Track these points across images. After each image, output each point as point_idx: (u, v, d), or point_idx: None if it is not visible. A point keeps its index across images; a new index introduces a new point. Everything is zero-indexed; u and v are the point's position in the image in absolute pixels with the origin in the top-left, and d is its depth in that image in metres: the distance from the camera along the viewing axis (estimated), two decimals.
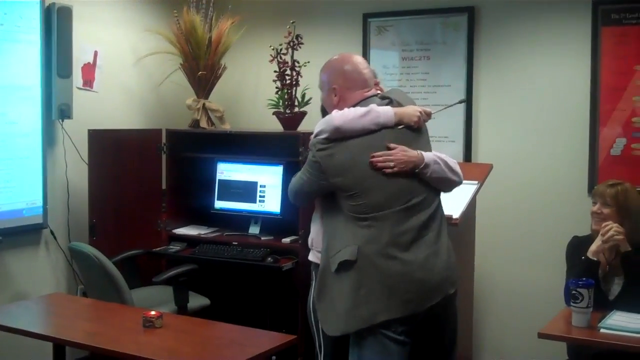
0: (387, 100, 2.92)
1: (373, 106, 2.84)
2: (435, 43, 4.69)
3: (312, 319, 3.11)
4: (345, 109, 2.84)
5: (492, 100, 4.56)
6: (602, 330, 2.96)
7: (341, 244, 2.80)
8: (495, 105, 4.56)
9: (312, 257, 3.19)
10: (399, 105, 2.91)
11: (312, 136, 2.88)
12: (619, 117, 4.19)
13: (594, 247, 3.30)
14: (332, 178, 2.80)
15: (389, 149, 2.80)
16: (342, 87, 2.95)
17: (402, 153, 2.79)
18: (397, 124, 2.83)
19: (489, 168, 4.12)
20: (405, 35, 4.78)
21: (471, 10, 4.54)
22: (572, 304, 3.05)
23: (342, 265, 2.76)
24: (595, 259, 3.28)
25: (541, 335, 3.01)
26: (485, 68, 4.56)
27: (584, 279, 3.09)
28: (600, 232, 3.31)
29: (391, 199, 2.78)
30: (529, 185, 4.46)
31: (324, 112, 3.22)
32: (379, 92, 3.05)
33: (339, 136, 2.78)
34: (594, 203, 3.43)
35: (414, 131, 2.88)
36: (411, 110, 2.87)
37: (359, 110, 2.82)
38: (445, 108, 3.26)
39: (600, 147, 4.24)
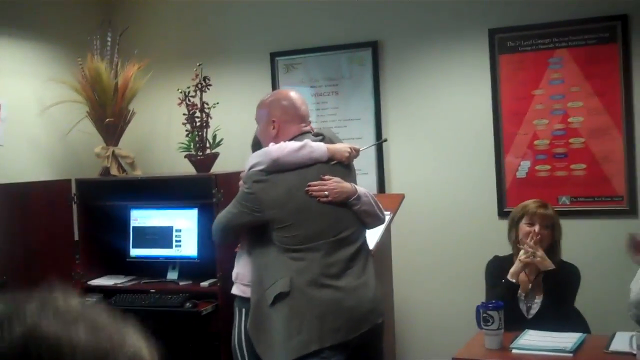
0: (320, 137, 3.03)
1: (307, 141, 2.95)
2: (343, 78, 4.77)
3: (239, 355, 3.13)
4: (282, 143, 2.93)
5: (401, 131, 4.64)
6: (513, 351, 3.01)
7: (274, 276, 2.87)
8: (405, 136, 4.64)
9: (236, 290, 3.21)
10: (331, 142, 3.05)
11: (247, 169, 2.96)
12: (522, 141, 4.33)
13: (513, 269, 3.36)
14: (268, 210, 2.88)
15: (324, 180, 2.93)
16: (281, 119, 3.03)
17: (336, 184, 2.92)
18: (330, 159, 2.96)
19: (400, 198, 4.18)
20: (313, 72, 4.84)
21: (374, 45, 4.64)
22: (483, 326, 3.09)
23: (277, 298, 2.83)
24: (514, 280, 3.34)
25: None
26: (392, 100, 4.65)
27: (493, 301, 3.15)
28: (519, 256, 3.35)
29: (323, 231, 2.89)
30: (441, 211, 4.55)
31: (255, 147, 3.29)
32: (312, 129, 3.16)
33: (275, 169, 2.87)
34: (530, 224, 3.40)
35: (344, 167, 3.03)
36: (342, 147, 3.01)
37: (295, 144, 2.92)
38: (370, 147, 3.46)
39: (507, 171, 4.37)
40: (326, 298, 2.83)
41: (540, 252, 3.32)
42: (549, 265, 3.32)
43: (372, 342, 3.02)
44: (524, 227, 3.43)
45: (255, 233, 2.99)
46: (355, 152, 3.07)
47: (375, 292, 2.99)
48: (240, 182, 3.05)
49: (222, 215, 3.09)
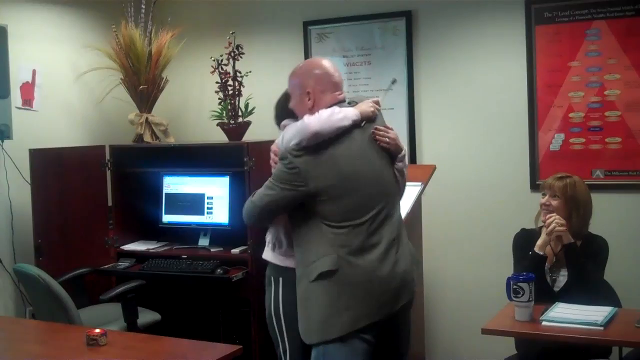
0: (354, 104, 2.96)
1: (335, 107, 2.87)
2: (375, 48, 4.74)
3: (275, 324, 3.06)
4: (316, 113, 2.84)
5: (434, 102, 4.62)
6: (543, 323, 3.00)
7: (318, 252, 2.80)
8: (437, 107, 4.62)
9: (273, 258, 3.09)
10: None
11: (284, 145, 2.84)
12: (557, 113, 4.28)
13: (540, 241, 3.36)
14: (313, 181, 2.77)
15: (387, 127, 2.97)
16: (316, 90, 2.92)
17: (395, 135, 2.98)
18: (361, 120, 2.88)
19: (432, 169, 4.17)
20: (345, 42, 4.82)
21: (408, 15, 4.60)
22: (513, 298, 3.09)
23: (322, 275, 2.77)
24: (541, 253, 3.33)
25: (484, 331, 3.05)
26: (425, 71, 4.62)
27: (524, 273, 3.14)
28: (545, 225, 3.38)
29: (367, 203, 2.83)
30: (473, 183, 4.53)
31: (281, 111, 3.25)
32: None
33: (317, 141, 2.77)
34: (543, 195, 3.49)
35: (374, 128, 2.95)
36: (366, 106, 2.93)
37: (327, 110, 2.84)
38: (385, 94, 3.29)
39: (540, 143, 4.33)
40: (374, 271, 2.79)
41: (561, 223, 3.32)
42: (568, 238, 3.33)
43: (404, 315, 3.00)
44: (540, 198, 3.50)
45: (297, 206, 2.88)
46: (378, 105, 3.00)
47: (411, 265, 2.97)
48: (274, 159, 2.93)
49: (257, 198, 2.92)
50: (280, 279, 3.06)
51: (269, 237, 3.16)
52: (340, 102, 2.95)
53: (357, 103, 2.97)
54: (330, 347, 2.79)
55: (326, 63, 3.01)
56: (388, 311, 2.83)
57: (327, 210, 2.81)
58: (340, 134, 2.82)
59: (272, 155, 3.01)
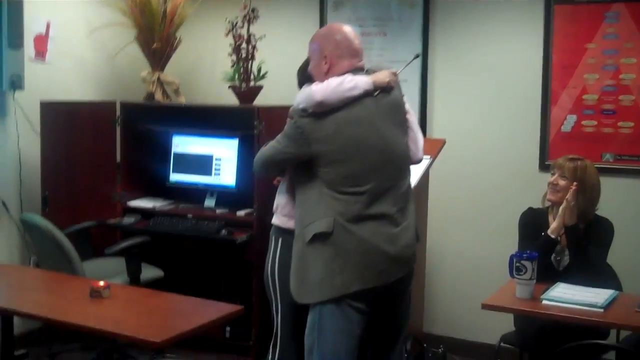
0: (371, 72, 2.95)
1: (348, 74, 2.86)
2: (392, 20, 4.70)
3: (270, 284, 3.14)
4: (325, 82, 2.84)
5: (447, 77, 4.59)
6: (544, 302, 3.02)
7: (316, 214, 2.81)
8: (450, 82, 4.59)
9: (275, 220, 3.19)
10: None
11: (294, 106, 2.87)
12: (570, 94, 4.26)
13: (555, 224, 3.36)
14: (315, 144, 2.79)
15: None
16: (333, 54, 2.92)
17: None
18: (375, 89, 2.87)
19: (441, 143, 4.16)
20: (361, 12, 4.78)
21: None
22: (515, 275, 3.10)
23: (317, 237, 2.78)
24: (554, 236, 3.34)
25: (484, 306, 3.07)
26: (440, 45, 4.59)
27: (527, 251, 3.15)
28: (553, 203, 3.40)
29: (370, 171, 2.81)
30: (482, 160, 4.52)
31: (302, 75, 3.25)
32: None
33: (322, 109, 2.79)
34: (552, 174, 3.48)
35: (391, 100, 2.94)
36: (382, 75, 2.92)
37: (337, 79, 2.83)
38: (405, 67, 3.20)
39: (552, 124, 4.30)
40: (370, 239, 2.78)
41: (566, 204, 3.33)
42: (572, 219, 3.33)
43: (403, 287, 2.98)
44: (548, 177, 3.50)
45: (300, 169, 2.93)
46: (395, 77, 2.97)
47: (413, 237, 2.95)
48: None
49: (266, 149, 2.99)
50: (280, 240, 3.13)
51: (275, 202, 3.22)
52: (357, 70, 2.93)
53: (374, 72, 2.95)
54: (325, 309, 2.80)
55: (347, 29, 2.99)
56: (384, 280, 2.82)
57: (328, 174, 2.81)
58: (350, 101, 2.81)
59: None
